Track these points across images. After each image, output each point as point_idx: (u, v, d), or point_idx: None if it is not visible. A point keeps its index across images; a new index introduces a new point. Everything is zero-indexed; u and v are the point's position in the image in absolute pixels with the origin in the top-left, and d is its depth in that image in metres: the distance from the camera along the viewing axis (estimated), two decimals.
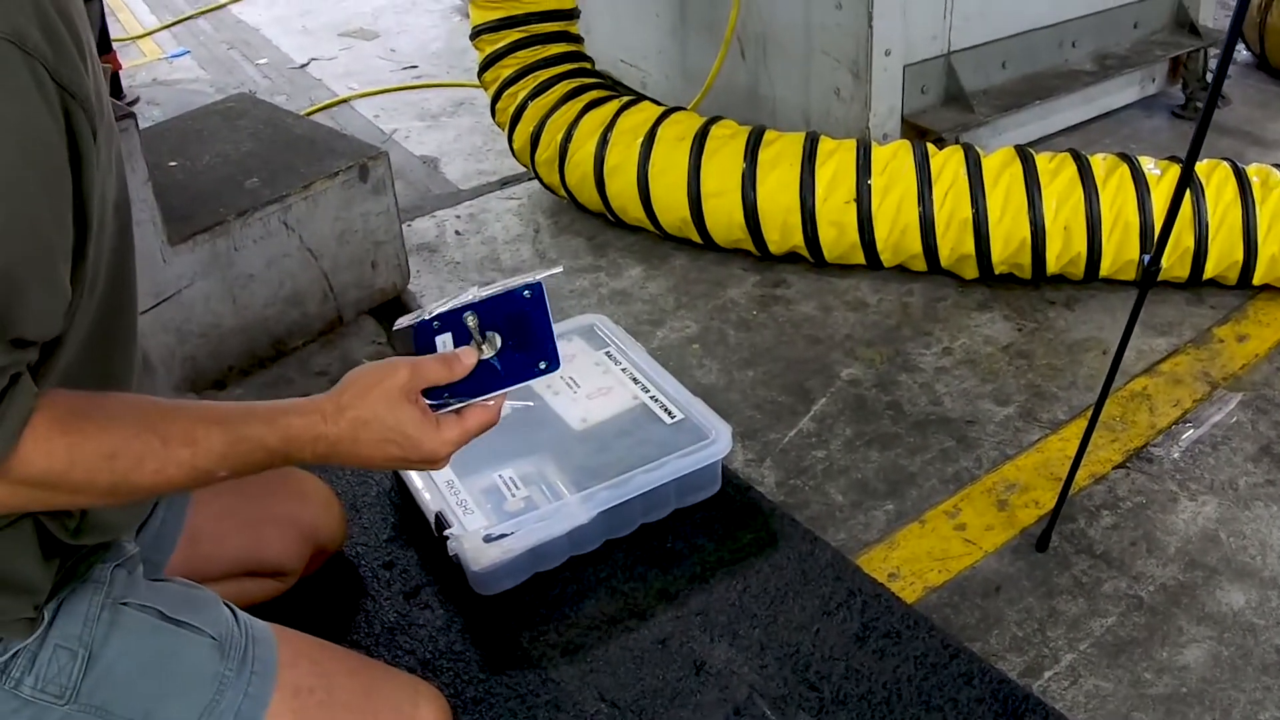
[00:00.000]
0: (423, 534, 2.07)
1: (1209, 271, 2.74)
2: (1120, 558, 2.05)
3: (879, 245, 2.78)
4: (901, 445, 2.35)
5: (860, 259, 2.84)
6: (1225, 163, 2.77)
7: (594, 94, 3.14)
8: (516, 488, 2.02)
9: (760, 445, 2.36)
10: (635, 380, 2.25)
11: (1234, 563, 2.04)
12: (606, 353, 2.34)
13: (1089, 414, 2.00)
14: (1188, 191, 2.64)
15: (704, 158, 2.85)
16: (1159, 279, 2.71)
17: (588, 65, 3.28)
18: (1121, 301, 2.75)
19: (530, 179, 3.40)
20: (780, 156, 2.80)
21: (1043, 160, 2.76)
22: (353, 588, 2.02)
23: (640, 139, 2.93)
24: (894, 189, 2.73)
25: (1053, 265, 2.75)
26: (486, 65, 3.27)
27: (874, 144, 2.83)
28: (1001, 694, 1.76)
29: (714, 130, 2.91)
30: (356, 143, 2.86)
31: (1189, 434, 2.36)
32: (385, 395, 1.23)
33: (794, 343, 2.69)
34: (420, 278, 3.01)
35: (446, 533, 1.91)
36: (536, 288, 1.32)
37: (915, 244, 2.76)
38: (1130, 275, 2.77)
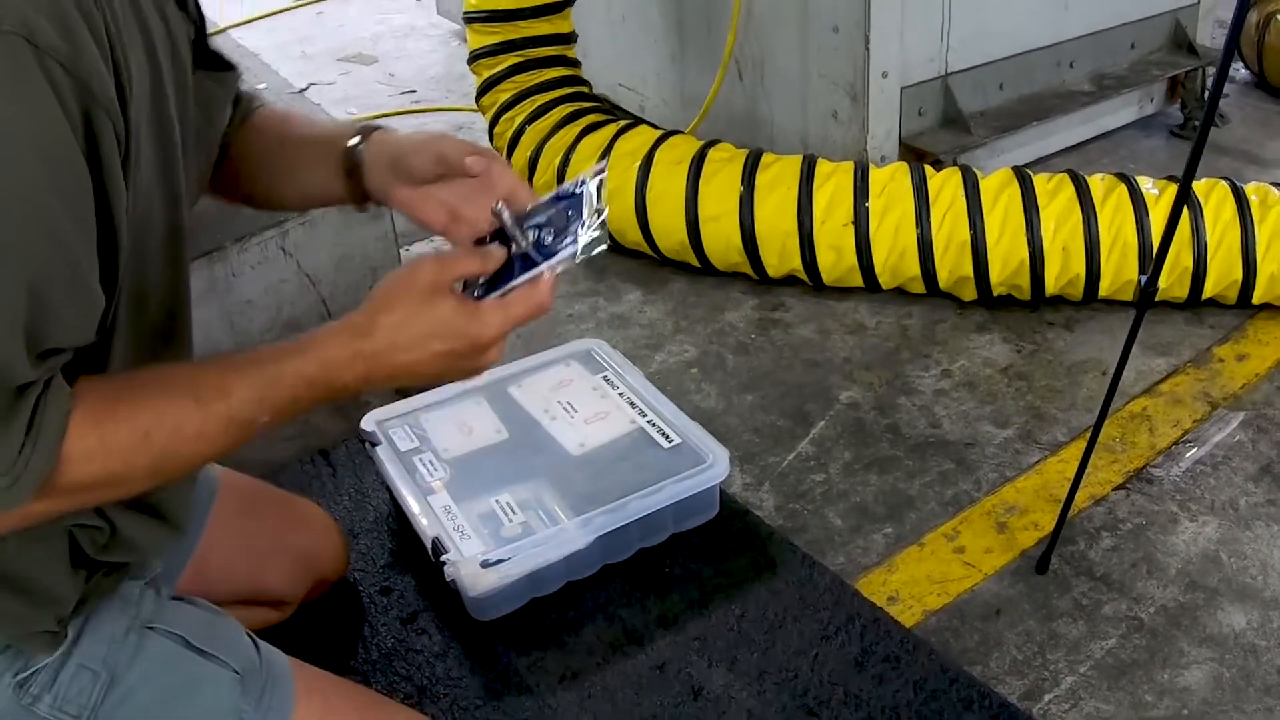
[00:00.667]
0: (420, 559, 2.07)
1: (1208, 291, 2.75)
2: (1120, 580, 2.06)
3: (877, 268, 2.78)
4: (900, 468, 2.35)
5: (859, 281, 2.85)
6: (1224, 182, 2.79)
7: (591, 118, 3.15)
8: (514, 513, 2.02)
9: (759, 469, 2.36)
10: (633, 405, 2.26)
11: (1235, 583, 2.04)
12: (604, 377, 2.34)
13: (1088, 435, 2.00)
14: (1185, 211, 2.66)
15: (701, 181, 2.86)
16: (1158, 299, 2.73)
17: (585, 89, 3.30)
18: (1121, 322, 2.76)
19: None
20: (778, 180, 2.82)
21: (1040, 181, 2.77)
22: (350, 613, 2.03)
23: (638, 163, 2.94)
24: (892, 212, 2.74)
25: (1051, 286, 2.76)
26: (484, 89, 3.30)
27: (871, 166, 2.84)
28: (1002, 718, 1.77)
29: (711, 154, 2.92)
30: None
31: (1189, 454, 2.37)
32: (417, 292, 1.15)
33: (793, 366, 2.70)
34: None
35: (444, 558, 1.91)
36: (580, 182, 1.26)
37: (913, 266, 2.76)
38: (1129, 296, 2.78)
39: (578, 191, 1.24)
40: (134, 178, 1.06)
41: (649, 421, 2.21)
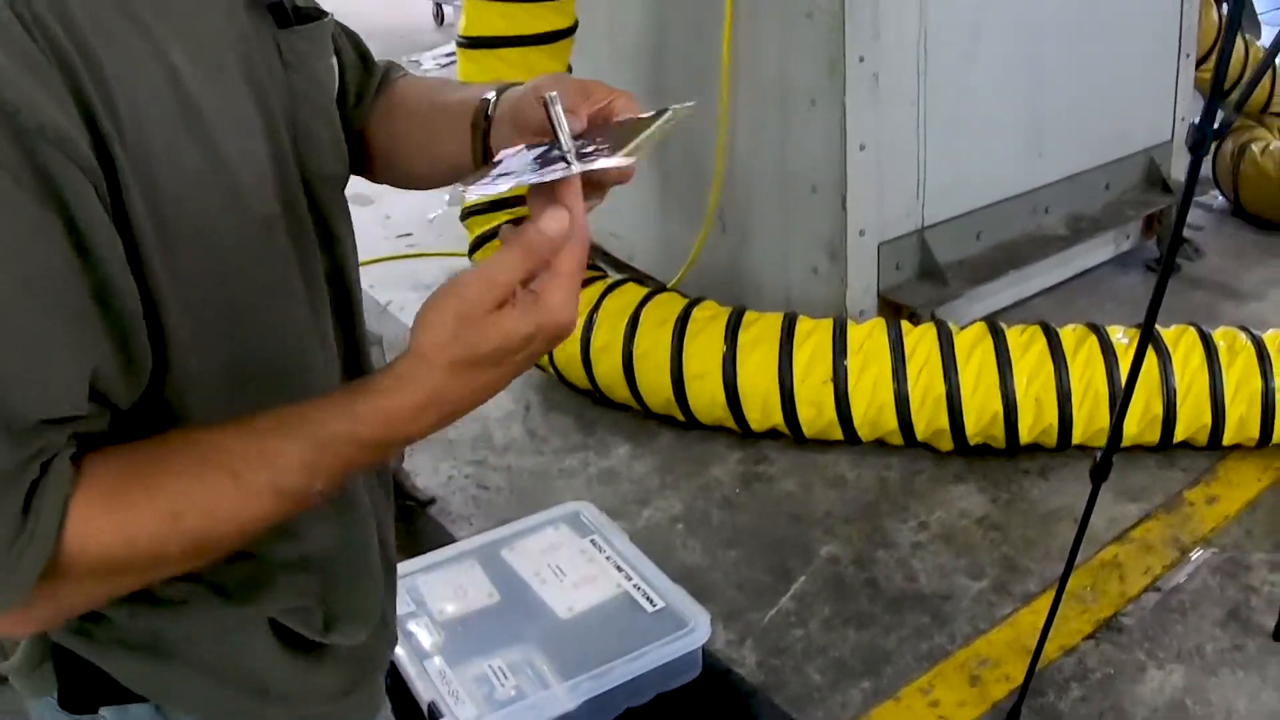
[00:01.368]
0: None
1: (1178, 435, 2.93)
2: None
3: (856, 423, 2.96)
4: (878, 624, 2.51)
5: (839, 435, 3.02)
6: (1192, 328, 2.98)
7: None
8: (506, 677, 2.18)
9: (741, 625, 2.52)
10: (619, 568, 2.42)
11: None
12: (591, 540, 2.51)
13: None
14: (1155, 359, 2.85)
15: (686, 340, 3.05)
16: (1130, 445, 2.91)
17: None
18: None
19: None
20: (759, 339, 3.01)
21: (1013, 334, 2.96)
22: None
23: (625, 321, 3.14)
24: (870, 368, 2.93)
25: (1026, 436, 2.93)
26: (476, 245, 3.51)
27: (850, 323, 3.03)
28: None
29: (695, 313, 3.12)
30: None
31: (1158, 601, 2.52)
32: (475, 320, 0.95)
33: (775, 521, 2.86)
34: (414, 456, 3.19)
35: None
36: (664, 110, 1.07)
37: (891, 420, 2.94)
38: (1102, 442, 2.95)
39: (649, 114, 1.09)
40: (158, 205, 0.95)
41: (634, 585, 2.37)
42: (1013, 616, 2.51)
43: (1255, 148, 4.35)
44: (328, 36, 1.21)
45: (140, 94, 0.92)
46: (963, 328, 3.04)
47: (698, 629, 2.24)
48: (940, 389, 2.90)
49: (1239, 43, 4.63)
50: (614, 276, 3.43)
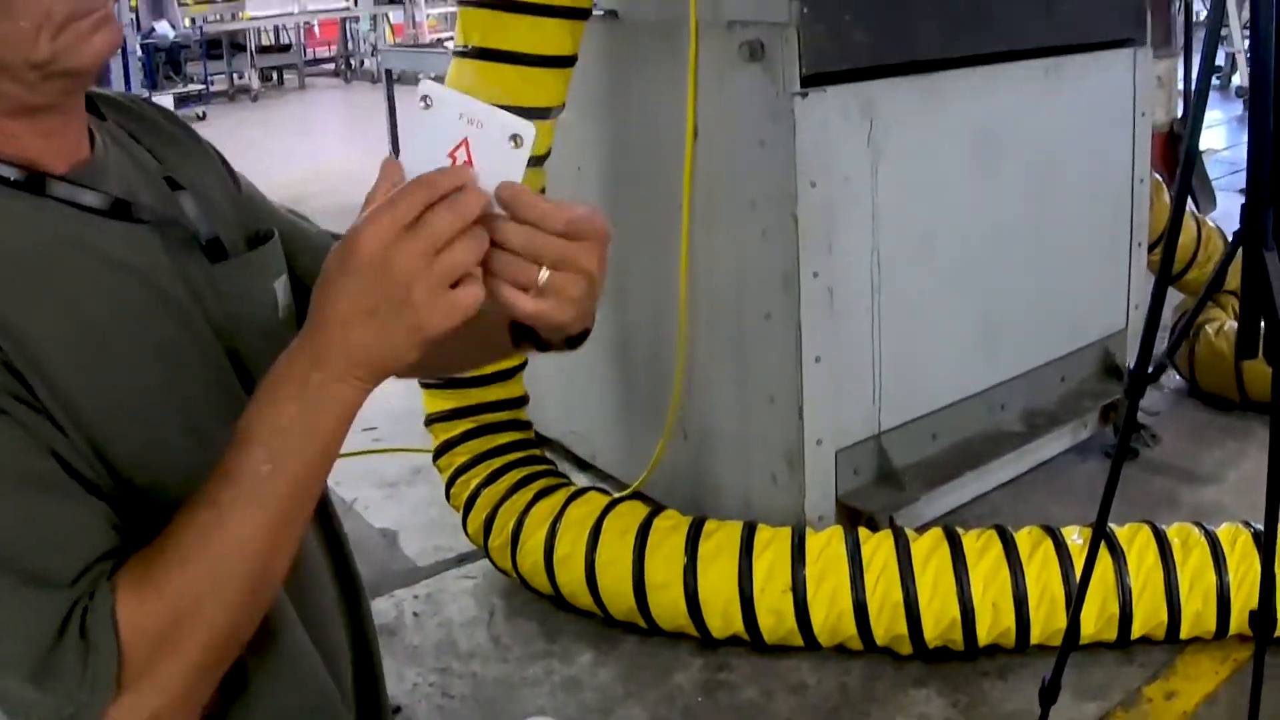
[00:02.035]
0: None
1: (1136, 632, 3.05)
2: None
3: (816, 630, 3.07)
4: None
5: (800, 642, 3.13)
6: (1146, 526, 3.12)
7: (544, 482, 3.49)
8: None
9: None
10: None
11: None
12: None
13: None
14: (1110, 559, 2.99)
15: (648, 551, 3.17)
16: (1088, 642, 3.02)
17: (537, 453, 3.64)
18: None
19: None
20: (719, 549, 3.13)
21: (969, 540, 3.09)
22: None
23: (587, 531, 3.26)
24: (828, 577, 3.05)
25: (984, 638, 3.05)
26: (440, 451, 3.64)
27: (809, 530, 3.16)
28: None
29: (656, 523, 3.24)
30: None
31: None
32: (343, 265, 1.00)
33: None
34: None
35: None
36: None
37: (851, 627, 3.06)
38: (1059, 642, 3.07)
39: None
40: (88, 432, 1.07)
41: None
42: None
43: (1209, 328, 4.53)
44: (271, 257, 1.32)
45: (53, 347, 1.05)
46: (920, 530, 3.17)
47: None
48: (898, 596, 3.02)
49: (1189, 223, 4.86)
50: (576, 484, 3.57)
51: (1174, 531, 3.12)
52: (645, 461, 3.74)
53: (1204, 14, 11.57)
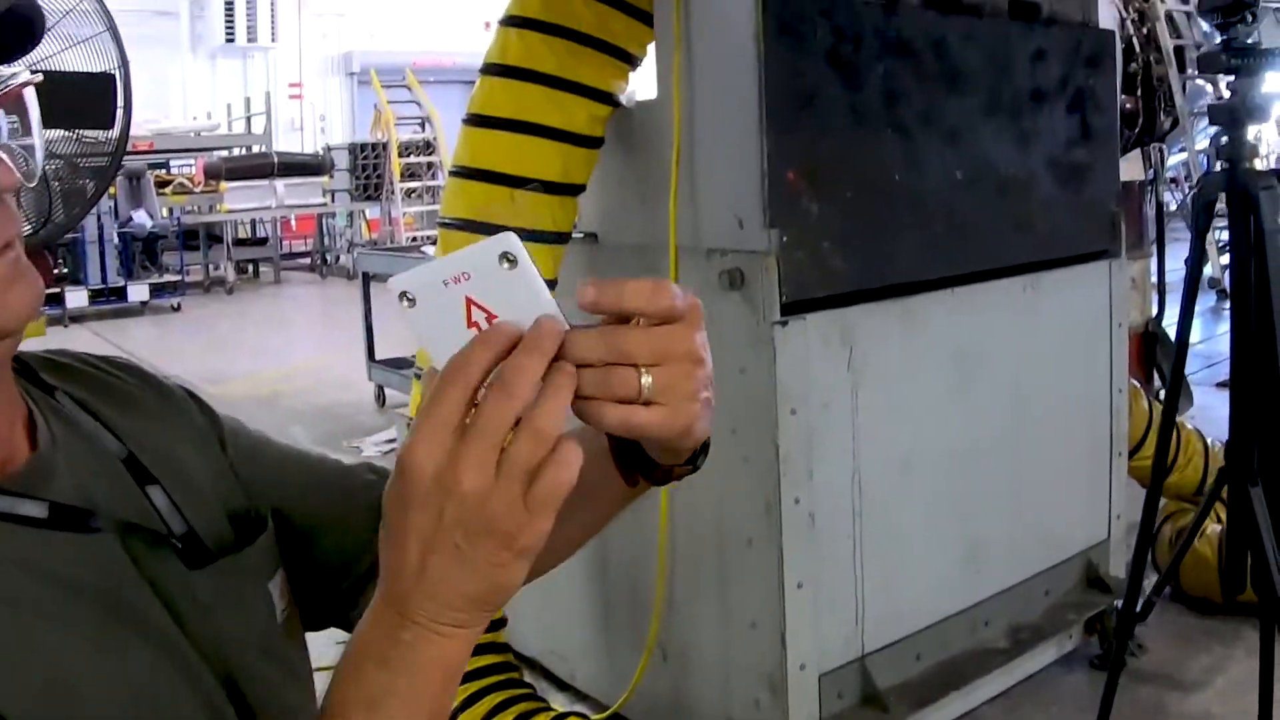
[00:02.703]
0: None
1: None
2: None
3: None
4: None
5: None
6: None
7: (522, 706, 3.43)
8: None
9: None
10: None
11: None
12: None
13: None
14: None
15: None
16: None
17: (515, 675, 3.59)
18: None
19: None
20: None
21: None
22: None
23: None
24: None
25: None
26: None
27: None
28: None
29: None
30: None
31: None
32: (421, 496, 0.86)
33: None
34: None
35: None
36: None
37: None
38: None
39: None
40: None
41: None
42: None
43: None
44: (263, 555, 1.16)
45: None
46: None
47: None
48: None
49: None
50: (556, 709, 3.52)
51: None
52: (625, 683, 3.69)
53: (1176, 202, 11.86)
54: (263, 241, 19.13)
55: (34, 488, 0.99)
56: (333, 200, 18.54)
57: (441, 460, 0.84)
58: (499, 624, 3.61)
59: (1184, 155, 9.93)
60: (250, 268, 19.07)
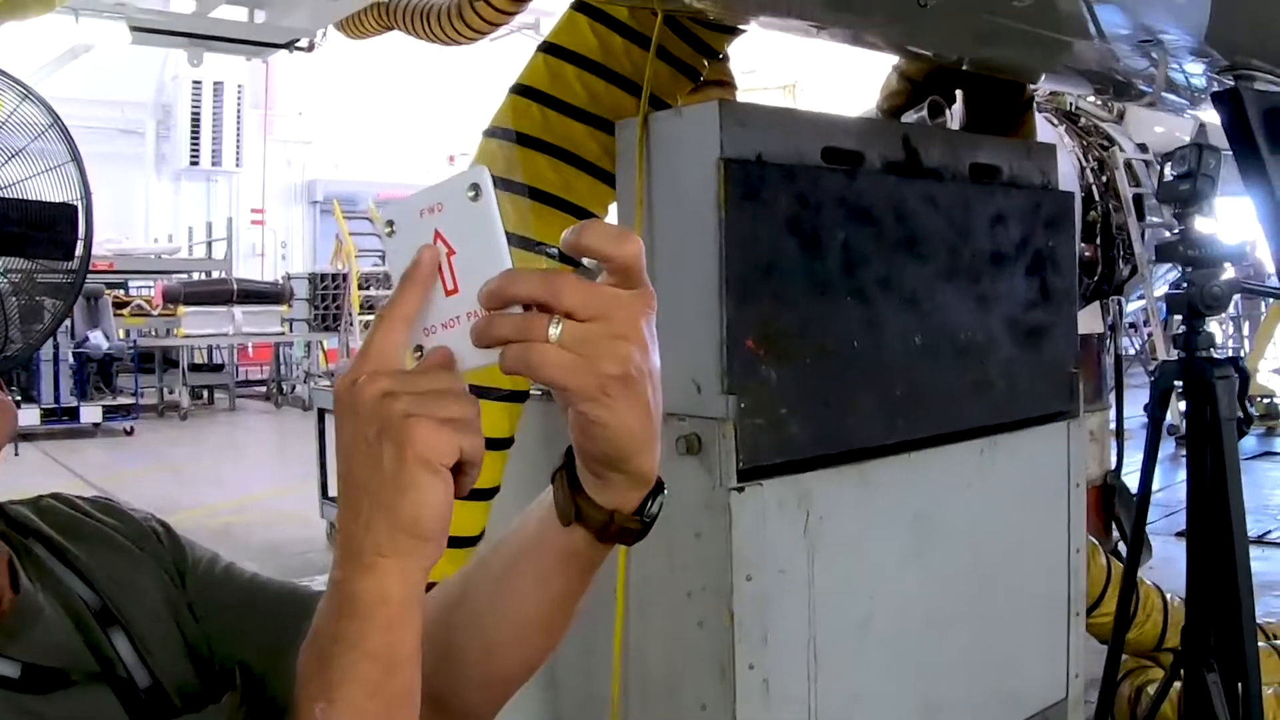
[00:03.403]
0: None
1: None
2: None
3: None
4: None
5: None
6: None
7: None
8: None
9: None
10: None
11: None
12: None
13: None
14: None
15: None
16: None
17: None
18: None
19: None
20: None
21: None
22: None
23: None
24: None
25: None
26: None
27: None
28: None
29: None
30: None
31: None
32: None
33: None
34: None
35: None
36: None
37: None
38: None
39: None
40: None
41: None
42: None
43: (1150, 690, 4.52)
44: (225, 715, 1.15)
45: None
46: None
47: None
48: None
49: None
50: None
51: None
52: None
53: (1135, 348, 12.01)
54: (219, 368, 19.12)
55: (13, 640, 1.04)
56: (291, 329, 18.57)
57: (346, 385, 0.93)
58: None
59: (1143, 302, 10.09)
60: (205, 394, 19.01)
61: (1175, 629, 4.95)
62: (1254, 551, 3.61)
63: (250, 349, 19.56)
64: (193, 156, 23.08)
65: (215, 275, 19.04)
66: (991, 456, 3.88)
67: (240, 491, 11.00)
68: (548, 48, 3.45)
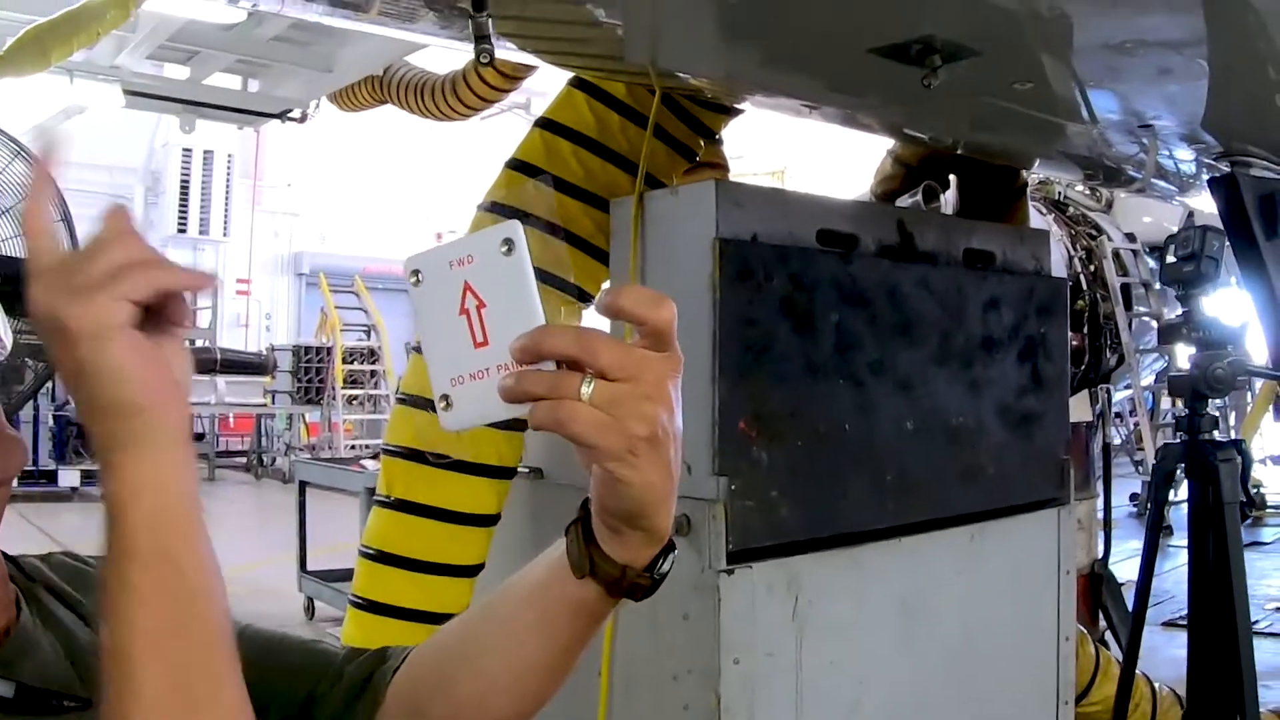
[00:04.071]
0: None
1: None
2: None
3: None
4: None
5: None
6: None
7: None
8: None
9: None
10: None
11: None
12: None
13: None
14: None
15: None
16: None
17: None
18: None
19: None
20: None
21: None
22: None
23: None
24: None
25: None
26: None
27: None
28: None
29: None
30: None
31: None
32: None
33: None
34: None
35: None
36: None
37: None
38: None
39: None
40: None
41: None
42: None
43: None
44: None
45: None
46: None
47: None
48: None
49: (1114, 668, 4.89)
50: None
51: None
52: None
53: (1121, 437, 12.04)
54: (199, 437, 18.98)
55: (8, 666, 1.09)
56: (273, 401, 18.52)
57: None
58: None
59: (1129, 392, 10.12)
60: None
61: (1164, 718, 4.93)
62: None
63: (231, 419, 19.49)
64: (180, 224, 23.03)
65: (199, 344, 18.98)
66: (982, 543, 3.86)
67: (220, 564, 10.87)
68: (545, 123, 3.47)
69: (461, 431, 1.00)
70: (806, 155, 16.96)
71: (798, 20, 2.57)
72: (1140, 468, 11.73)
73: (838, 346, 3.33)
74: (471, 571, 3.37)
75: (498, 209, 3.39)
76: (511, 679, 1.18)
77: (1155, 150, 3.50)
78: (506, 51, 3.02)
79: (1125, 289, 8.73)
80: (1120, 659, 5.06)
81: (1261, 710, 4.84)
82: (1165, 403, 13.27)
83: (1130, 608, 6.64)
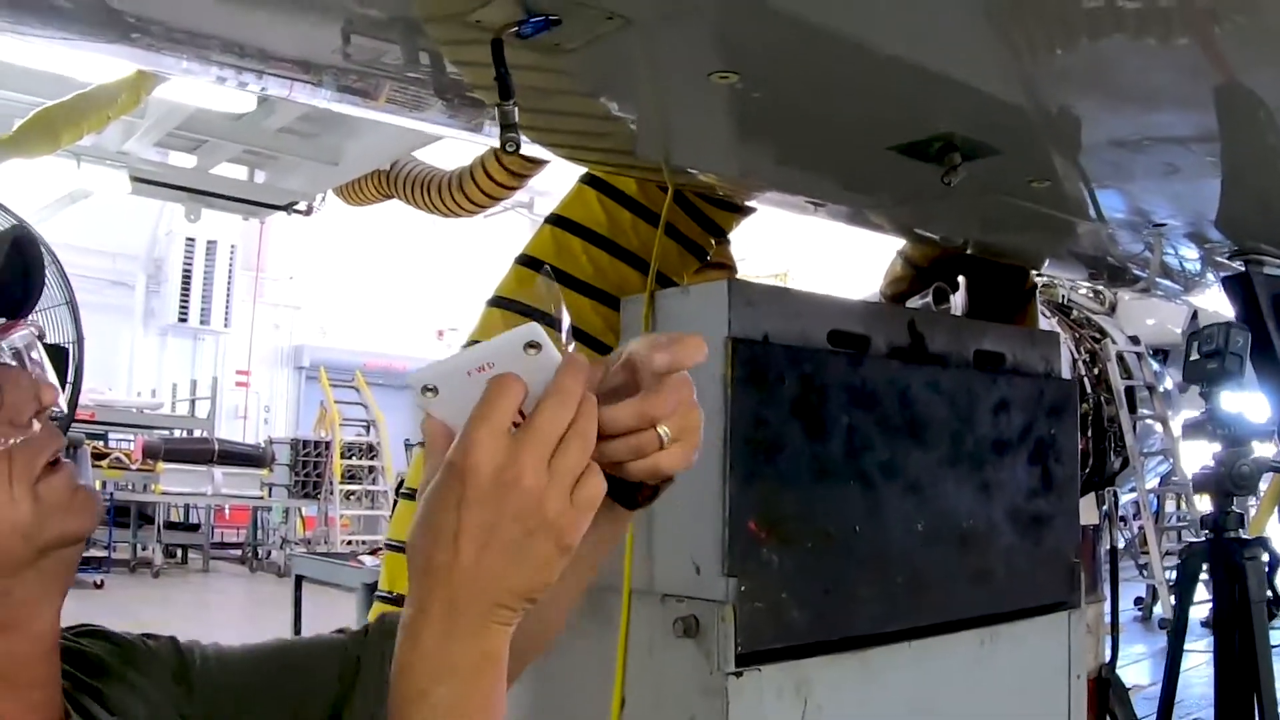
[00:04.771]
0: None
1: None
2: None
3: None
4: None
5: None
6: None
7: None
8: None
9: None
10: None
11: None
12: None
13: None
14: None
15: None
16: None
17: None
18: None
19: None
20: None
21: None
22: None
23: None
24: None
25: None
26: None
27: None
28: None
29: None
30: None
31: None
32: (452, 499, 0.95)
33: None
34: None
35: None
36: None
37: None
38: None
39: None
40: None
41: None
42: None
43: None
44: None
45: None
46: None
47: None
48: None
49: None
50: None
51: None
52: None
53: (1125, 540, 11.96)
54: (194, 527, 18.93)
55: None
56: (270, 494, 18.43)
57: (502, 460, 0.92)
58: None
59: (1134, 495, 10.08)
60: (179, 552, 18.78)
61: None
62: None
63: (227, 510, 19.38)
64: (181, 313, 23.09)
65: (197, 434, 18.95)
66: (992, 646, 3.81)
67: None
68: (555, 219, 3.48)
69: None
70: (809, 258, 17.06)
71: (817, 117, 2.58)
72: (1145, 571, 11.65)
73: (848, 448, 3.31)
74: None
75: (505, 304, 3.39)
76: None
77: (1160, 248, 3.50)
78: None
79: (1129, 391, 8.74)
80: None
81: None
82: (1170, 505, 13.23)
83: (1137, 713, 6.61)
